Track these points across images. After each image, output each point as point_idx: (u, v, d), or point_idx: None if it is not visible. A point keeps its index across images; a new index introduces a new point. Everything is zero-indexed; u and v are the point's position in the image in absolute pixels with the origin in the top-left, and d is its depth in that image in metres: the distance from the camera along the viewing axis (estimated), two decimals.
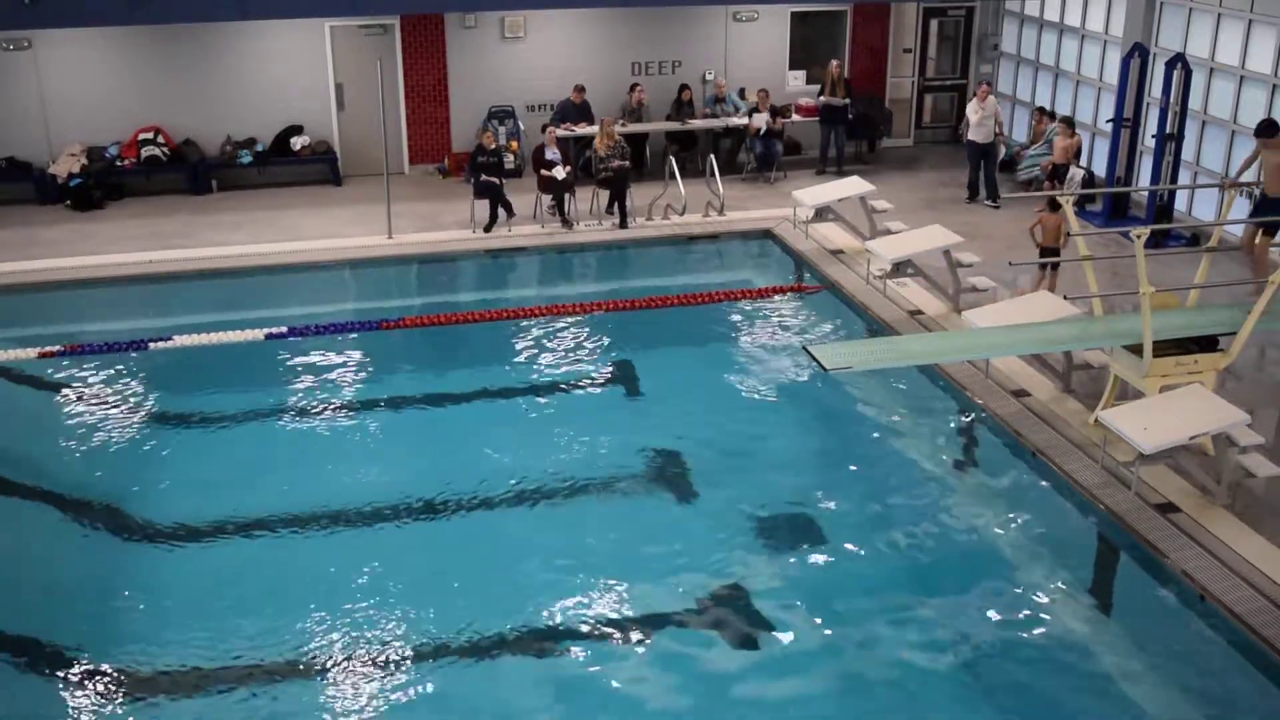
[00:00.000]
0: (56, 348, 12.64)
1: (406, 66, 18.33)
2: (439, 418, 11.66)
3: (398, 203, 16.17)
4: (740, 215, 16.67)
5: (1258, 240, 10.95)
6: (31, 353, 12.53)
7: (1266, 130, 10.82)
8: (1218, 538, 8.84)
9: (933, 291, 13.58)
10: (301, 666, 8.06)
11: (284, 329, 13.18)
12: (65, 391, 12.01)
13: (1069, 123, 17.01)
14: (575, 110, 18.18)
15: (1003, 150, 17.82)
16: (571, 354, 12.85)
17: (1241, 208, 13.32)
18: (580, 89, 18.20)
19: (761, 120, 18.04)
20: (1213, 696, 7.94)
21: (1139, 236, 9.97)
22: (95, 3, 15.38)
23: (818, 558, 9.34)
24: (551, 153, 16.43)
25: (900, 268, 13.45)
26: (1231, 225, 12.32)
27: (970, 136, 17.10)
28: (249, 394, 12.05)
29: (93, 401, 11.76)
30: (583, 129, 17.88)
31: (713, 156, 17.12)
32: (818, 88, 18.94)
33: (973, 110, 17.03)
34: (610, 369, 12.63)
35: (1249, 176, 12.87)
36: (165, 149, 17.56)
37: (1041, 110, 18.27)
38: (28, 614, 8.64)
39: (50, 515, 10.03)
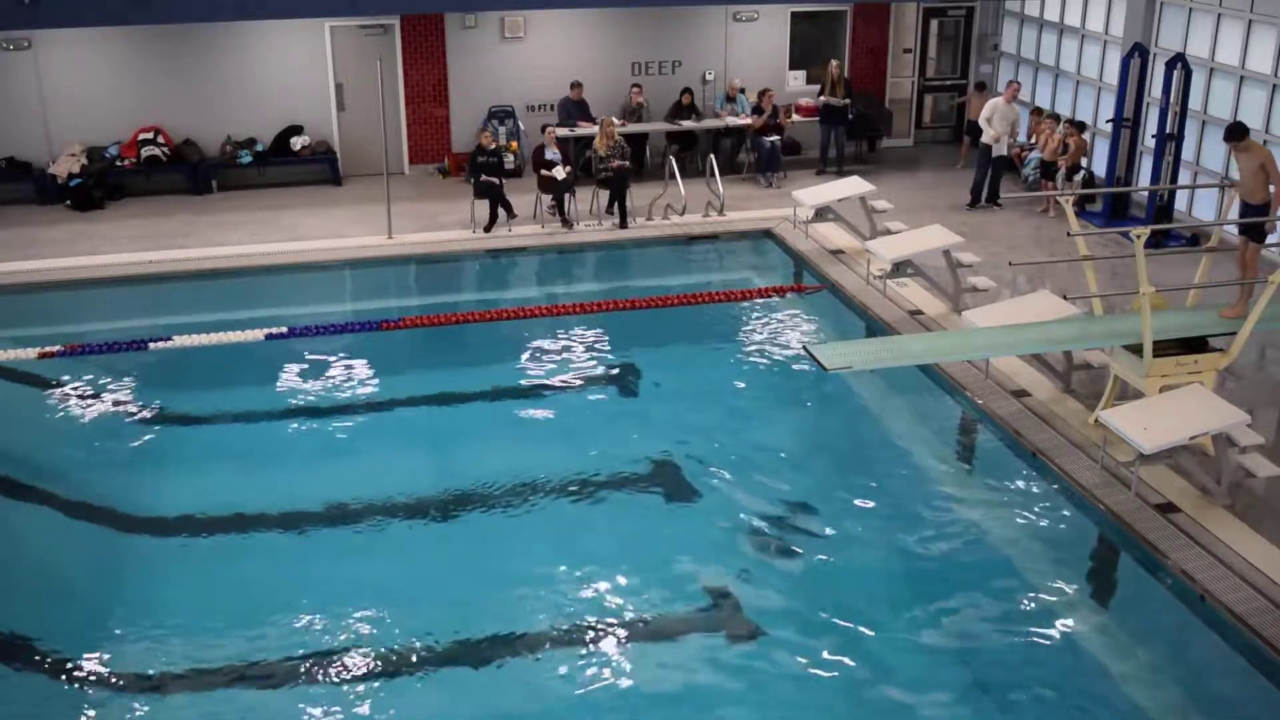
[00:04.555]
0: (56, 348, 12.63)
1: (406, 66, 18.32)
2: (439, 418, 11.66)
3: (398, 203, 16.17)
4: (740, 215, 16.67)
5: (1248, 248, 11.05)
6: (31, 353, 12.53)
7: (1235, 134, 10.86)
8: (1218, 538, 8.84)
9: (933, 291, 13.58)
10: (301, 667, 8.05)
11: (284, 329, 13.18)
12: (65, 391, 12.00)
13: (1057, 119, 17.14)
14: (574, 107, 18.17)
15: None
16: (571, 354, 12.84)
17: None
18: (578, 85, 18.20)
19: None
20: (1213, 696, 7.94)
21: (1139, 236, 9.97)
22: (95, 3, 15.36)
23: (816, 558, 9.33)
24: (551, 153, 16.44)
25: (900, 268, 13.44)
26: (1230, 225, 12.34)
27: (984, 139, 16.86)
28: (249, 394, 12.05)
29: (93, 401, 11.75)
30: (583, 129, 17.88)
31: (713, 156, 17.13)
32: (818, 88, 18.94)
33: (1001, 114, 16.68)
34: (610, 369, 12.62)
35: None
36: (165, 149, 17.56)
37: (1039, 110, 18.27)
38: (27, 614, 8.64)
39: (50, 515, 10.03)
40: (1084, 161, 16.80)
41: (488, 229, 15.97)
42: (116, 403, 11.72)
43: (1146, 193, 15.64)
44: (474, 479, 10.29)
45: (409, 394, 12.07)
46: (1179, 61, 14.89)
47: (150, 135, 17.50)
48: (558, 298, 14.56)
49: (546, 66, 18.63)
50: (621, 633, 8.40)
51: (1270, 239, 13.18)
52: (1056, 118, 17.45)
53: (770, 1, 18.95)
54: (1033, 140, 17.75)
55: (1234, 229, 12.66)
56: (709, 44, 19.31)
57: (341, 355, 12.73)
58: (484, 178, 15.93)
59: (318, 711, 7.69)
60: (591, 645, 8.27)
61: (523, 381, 12.30)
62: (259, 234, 15.90)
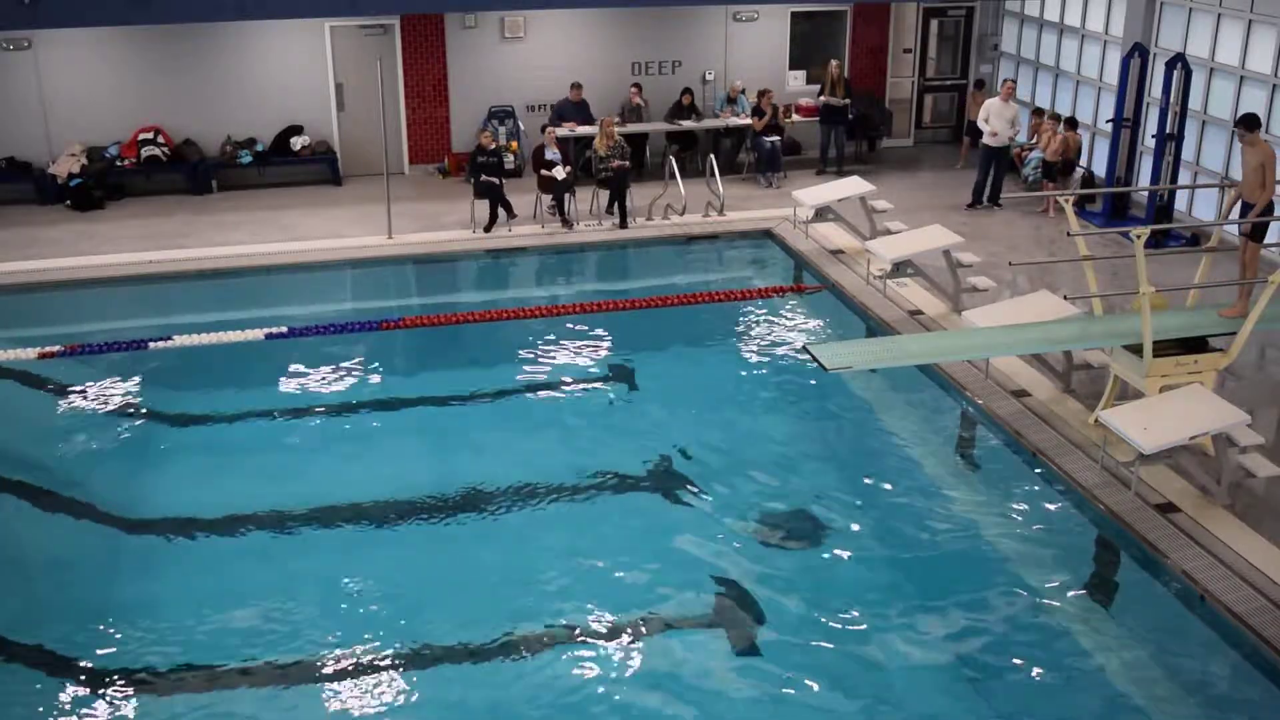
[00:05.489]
0: (56, 348, 12.63)
1: (406, 66, 18.33)
2: (439, 418, 11.65)
3: (398, 203, 16.18)
4: (740, 215, 16.67)
5: (1247, 248, 11.04)
6: (31, 353, 12.53)
7: (1246, 123, 10.78)
8: (1218, 538, 8.84)
9: (933, 291, 13.58)
10: (301, 667, 8.05)
11: (284, 329, 13.18)
12: (65, 391, 12.00)
13: (1058, 119, 17.14)
14: (573, 108, 18.17)
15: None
16: (571, 354, 12.84)
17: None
18: (577, 86, 18.20)
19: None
20: (1213, 696, 7.94)
21: (1139, 236, 9.96)
22: (95, 3, 15.38)
23: (817, 558, 9.34)
24: (551, 153, 16.44)
25: (900, 268, 13.44)
26: (1229, 225, 12.34)
27: (985, 140, 16.86)
28: (249, 394, 12.04)
29: (93, 401, 11.76)
30: (583, 128, 17.86)
31: (713, 156, 17.13)
32: (818, 88, 18.94)
33: (996, 112, 16.71)
34: (610, 369, 12.62)
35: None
36: (165, 149, 17.56)
37: (1041, 111, 18.27)
38: (27, 614, 8.64)
39: (50, 515, 10.02)
40: (1082, 160, 16.80)
41: (488, 229, 15.97)
42: (116, 403, 11.72)
43: (1146, 193, 15.64)
44: (474, 479, 10.29)
45: (409, 394, 12.07)
46: (1179, 61, 14.89)
47: (150, 135, 17.50)
48: (558, 298, 14.56)
49: (546, 66, 18.63)
50: (622, 632, 8.40)
51: (1270, 238, 13.21)
52: (1058, 118, 17.45)
53: (770, 1, 18.96)
54: (1034, 140, 17.75)
55: (1234, 229, 12.69)
56: (709, 44, 19.32)
57: (341, 355, 12.73)
58: (484, 178, 15.93)
59: (318, 711, 7.69)
60: (592, 645, 8.26)
61: (523, 381, 12.30)
62: (259, 234, 15.90)
